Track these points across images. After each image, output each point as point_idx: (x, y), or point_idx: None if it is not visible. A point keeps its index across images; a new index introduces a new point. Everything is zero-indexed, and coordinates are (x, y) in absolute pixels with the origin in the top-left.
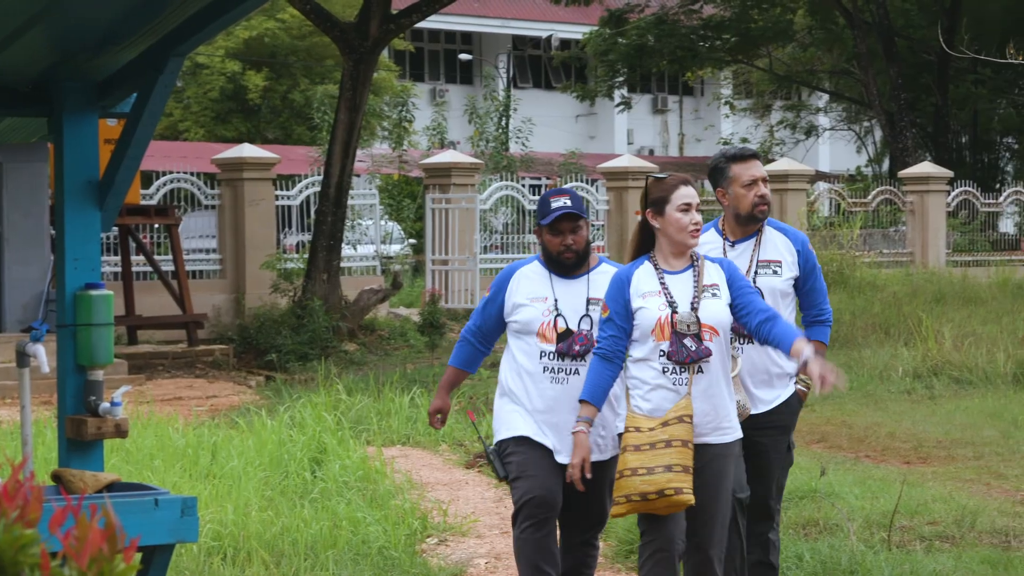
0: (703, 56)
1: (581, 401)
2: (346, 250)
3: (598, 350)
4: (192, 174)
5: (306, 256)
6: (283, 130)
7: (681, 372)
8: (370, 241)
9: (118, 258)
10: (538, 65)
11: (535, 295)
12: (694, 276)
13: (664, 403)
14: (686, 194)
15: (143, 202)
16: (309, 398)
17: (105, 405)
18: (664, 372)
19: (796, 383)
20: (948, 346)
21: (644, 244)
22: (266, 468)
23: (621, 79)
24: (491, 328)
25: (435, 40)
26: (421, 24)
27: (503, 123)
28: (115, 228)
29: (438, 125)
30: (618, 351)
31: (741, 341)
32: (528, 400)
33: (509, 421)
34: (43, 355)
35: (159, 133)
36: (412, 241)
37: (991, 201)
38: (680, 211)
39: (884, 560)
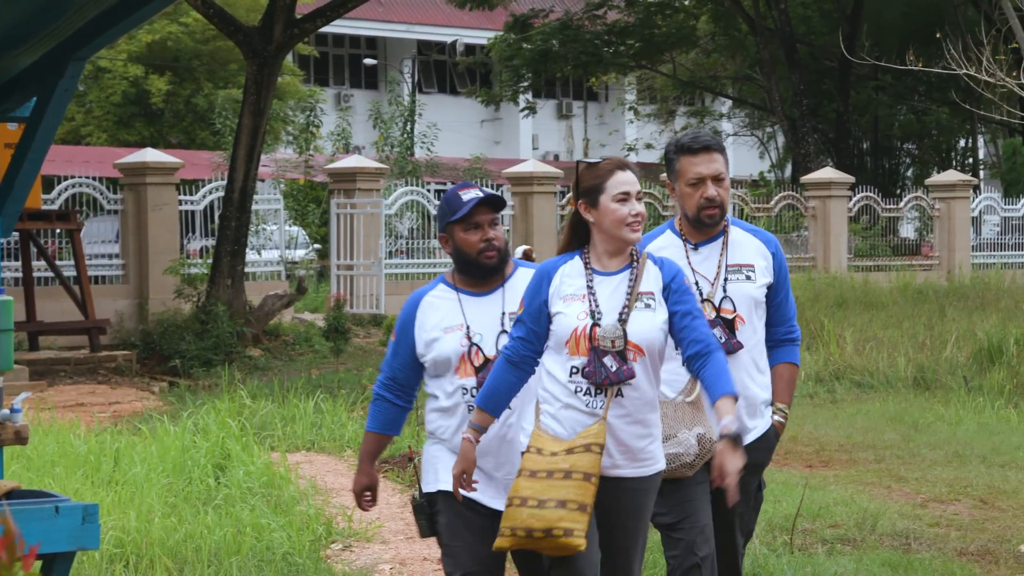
0: (607, 62)
1: (476, 407)
2: (250, 255)
3: (504, 349)
4: (94, 179)
5: (210, 261)
6: (186, 135)
7: (597, 394)
8: (275, 246)
9: (19, 263)
10: (443, 70)
11: (448, 323)
12: (629, 281)
13: (575, 426)
14: (623, 181)
15: (44, 207)
16: (213, 404)
17: (4, 412)
18: (577, 392)
19: (774, 414)
20: (850, 350)
21: (578, 239)
22: (169, 474)
23: (526, 84)
24: (408, 377)
25: (340, 45)
26: (326, 29)
27: (408, 128)
28: (16, 233)
29: (343, 130)
30: (526, 356)
31: None
32: (454, 445)
33: (436, 470)
34: None
35: (60, 137)
36: (317, 246)
37: (892, 206)
38: (617, 201)
39: (786, 563)
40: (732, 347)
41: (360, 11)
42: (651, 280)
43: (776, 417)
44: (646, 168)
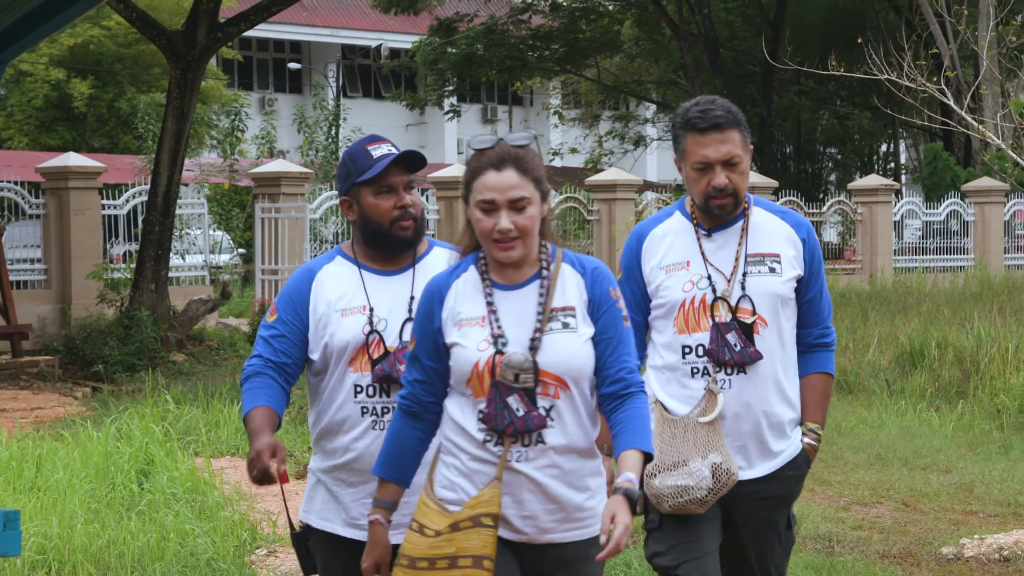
0: (532, 66)
1: (377, 478)
2: (174, 260)
3: (400, 399)
4: (16, 183)
5: (133, 266)
6: (109, 139)
7: (511, 444)
8: (199, 251)
9: None
10: (368, 74)
11: (347, 304)
12: (540, 294)
13: (483, 482)
14: (489, 185)
15: None
16: (136, 409)
17: None
18: (487, 443)
19: (804, 435)
20: None
21: (472, 242)
22: (92, 480)
23: (451, 88)
24: (290, 363)
25: (264, 49)
26: (249, 33)
27: (333, 132)
28: None
29: (267, 134)
30: (428, 403)
31: (728, 371)
32: (342, 475)
33: (311, 498)
34: None
35: None
36: (242, 251)
37: (815, 211)
38: (479, 210)
39: None
40: (748, 357)
41: (284, 15)
42: (571, 292)
43: (807, 439)
44: (570, 173)
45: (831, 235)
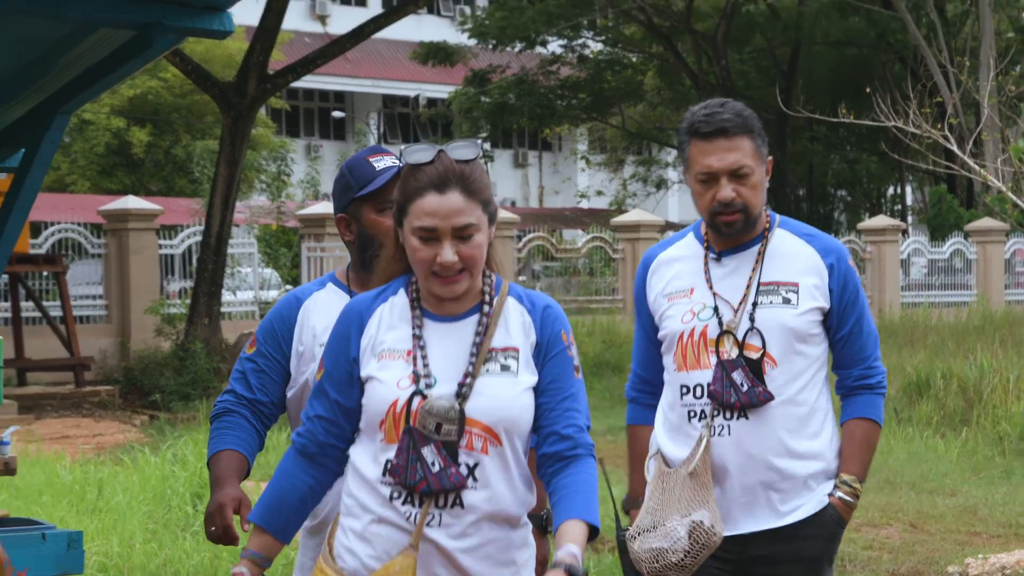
0: (560, 114)
1: (253, 525)
2: (226, 296)
3: (296, 436)
4: (79, 224)
5: (188, 302)
6: (166, 183)
7: (419, 504)
8: (249, 287)
9: (8, 304)
10: (407, 122)
11: None
12: (478, 331)
13: (391, 548)
14: (431, 210)
15: (32, 251)
16: (191, 435)
17: None
18: (394, 499)
19: (835, 488)
20: None
21: (405, 261)
22: (150, 503)
23: (484, 135)
24: (269, 400)
25: (310, 99)
26: (296, 83)
27: None
28: (5, 276)
29: (312, 178)
30: (328, 446)
31: (728, 415)
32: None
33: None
34: None
35: (47, 186)
36: (288, 287)
37: None
38: (418, 238)
39: None
40: (755, 398)
41: (329, 67)
42: (515, 330)
43: (838, 493)
44: (596, 214)
45: None
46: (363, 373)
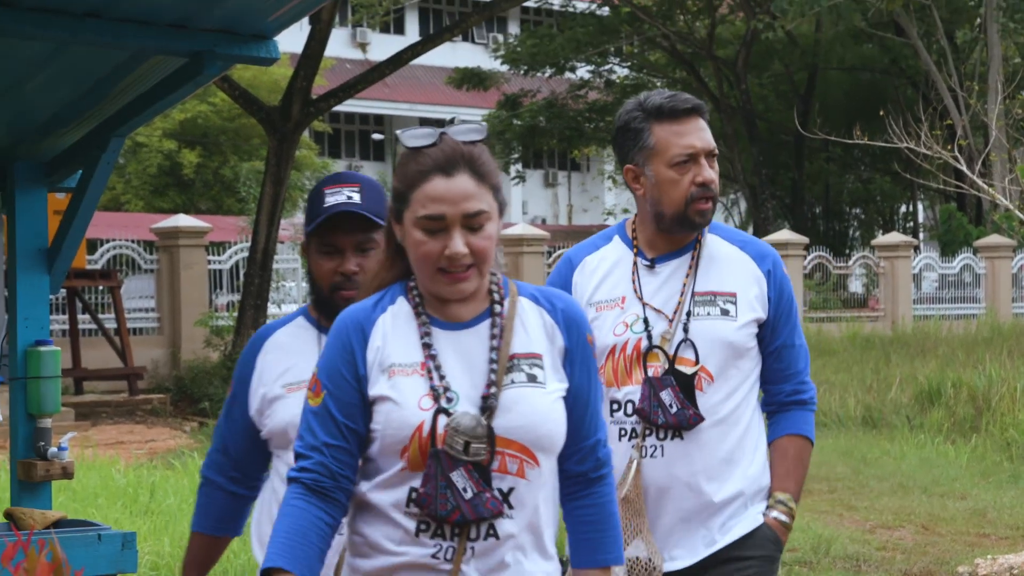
0: (588, 136)
1: (268, 572)
2: (272, 309)
3: (295, 472)
4: (133, 241)
5: (235, 314)
6: (214, 202)
7: (451, 537)
8: (293, 300)
9: (66, 316)
10: None
11: (295, 377)
12: (493, 336)
13: None
14: (439, 194)
15: (89, 266)
16: None
17: (53, 450)
18: (419, 533)
19: (769, 507)
20: None
21: (400, 266)
22: None
23: (516, 156)
24: (243, 450)
25: (351, 122)
26: (338, 107)
27: None
28: (63, 290)
29: None
30: (342, 477)
31: (661, 436)
32: None
33: None
34: None
35: (103, 205)
36: None
37: (842, 264)
38: (422, 229)
39: None
40: (685, 420)
41: (369, 92)
42: (535, 334)
43: (773, 513)
44: None
45: (856, 286)
46: (372, 393)
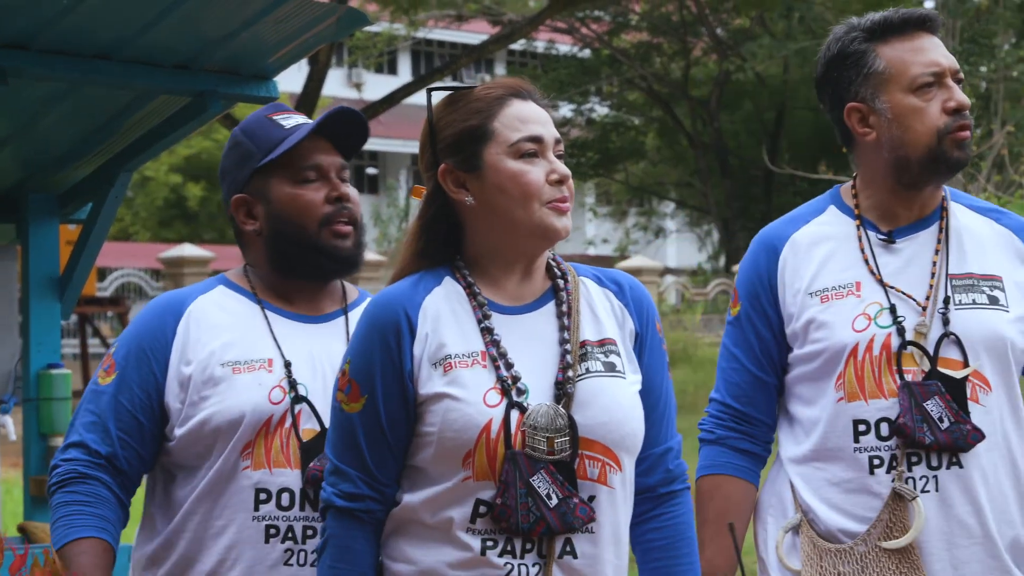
0: (571, 170)
1: None
2: None
3: (331, 498)
4: (140, 270)
5: None
6: (218, 232)
7: (521, 555)
8: None
9: (77, 341)
10: None
11: (245, 355)
12: (559, 317)
13: None
14: (528, 116)
15: (99, 293)
16: None
17: None
18: (487, 550)
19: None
20: None
21: (436, 248)
22: None
23: None
24: (133, 446)
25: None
26: None
27: (403, 227)
28: (74, 316)
29: None
30: (380, 496)
31: (933, 463)
32: None
33: None
34: (11, 425)
35: (112, 235)
36: None
37: None
38: (519, 155)
39: None
40: (962, 439)
41: None
42: (604, 317)
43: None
44: (603, 260)
45: None
46: (423, 391)
